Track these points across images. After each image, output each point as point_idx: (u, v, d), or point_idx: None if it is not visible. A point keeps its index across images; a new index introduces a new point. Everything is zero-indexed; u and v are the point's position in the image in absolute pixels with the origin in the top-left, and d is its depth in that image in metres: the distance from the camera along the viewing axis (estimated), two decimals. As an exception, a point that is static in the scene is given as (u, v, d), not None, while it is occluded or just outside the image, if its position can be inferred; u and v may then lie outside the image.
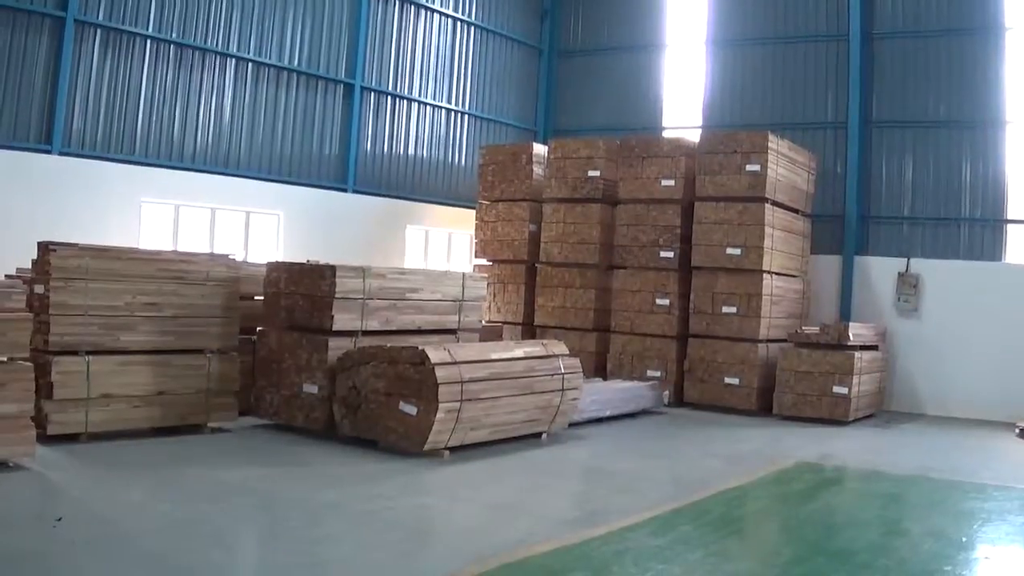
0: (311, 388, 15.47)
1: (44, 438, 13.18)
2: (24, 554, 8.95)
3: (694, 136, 24.04)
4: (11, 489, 11.46)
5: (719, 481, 13.89)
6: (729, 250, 21.32)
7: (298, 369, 15.68)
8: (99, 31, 21.79)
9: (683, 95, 30.15)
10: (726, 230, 21.36)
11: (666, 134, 27.90)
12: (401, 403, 14.31)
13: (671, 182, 22.24)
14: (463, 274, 18.10)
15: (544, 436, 16.15)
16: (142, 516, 10.65)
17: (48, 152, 20.85)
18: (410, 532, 10.71)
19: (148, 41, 22.62)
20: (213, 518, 10.75)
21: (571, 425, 16.95)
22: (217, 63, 24.07)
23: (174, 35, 22.97)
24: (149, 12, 22.53)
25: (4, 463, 12.04)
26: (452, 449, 14.47)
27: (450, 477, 13.47)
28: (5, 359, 12.14)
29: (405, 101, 28.79)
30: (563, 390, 16.13)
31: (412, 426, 14.19)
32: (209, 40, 23.73)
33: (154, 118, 22.82)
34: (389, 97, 28.36)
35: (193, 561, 9.07)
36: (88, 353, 14.32)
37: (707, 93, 29.26)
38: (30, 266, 14.87)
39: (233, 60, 24.32)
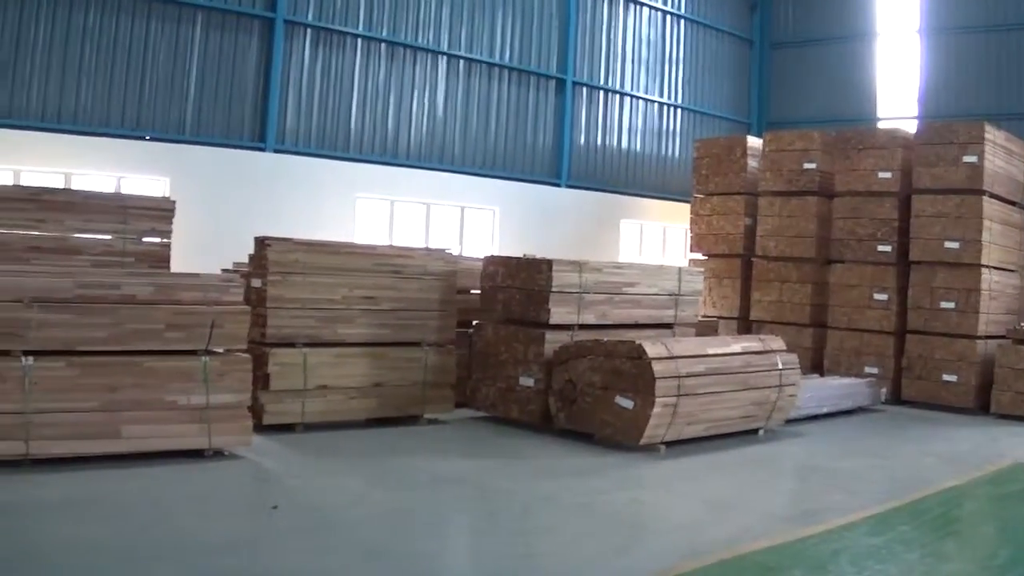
0: (527, 381, 15.43)
1: (260, 428, 13.38)
2: (239, 542, 9.06)
3: (909, 127, 23.53)
4: (227, 477, 11.63)
5: (936, 480, 13.51)
6: (947, 244, 20.73)
7: (514, 362, 15.66)
8: (309, 31, 22.19)
9: (896, 85, 29.64)
10: (944, 223, 20.79)
11: (880, 125, 27.45)
12: (617, 397, 14.19)
13: (888, 174, 21.72)
14: (679, 268, 17.88)
15: (760, 432, 15.90)
16: (356, 505, 10.71)
17: (262, 150, 21.28)
18: (624, 526, 10.58)
19: (359, 40, 22.98)
20: (427, 508, 10.76)
21: (788, 422, 16.68)
22: (428, 60, 24.32)
23: (385, 33, 23.27)
24: (359, 11, 22.87)
25: (221, 452, 12.23)
26: (668, 444, 14.29)
27: (666, 472, 13.30)
28: (223, 351, 12.36)
29: (617, 95, 28.80)
30: (780, 386, 15.86)
31: (628, 420, 14.06)
32: (420, 38, 23.98)
33: (367, 115, 23.14)
34: (601, 91, 28.40)
35: (406, 551, 9.07)
36: (305, 345, 14.49)
37: (921, 82, 28.81)
38: (247, 260, 15.10)
39: (444, 57, 24.55)
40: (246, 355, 12.62)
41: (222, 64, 21.48)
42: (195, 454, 11.96)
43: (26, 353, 11.01)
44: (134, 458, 11.47)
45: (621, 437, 14.15)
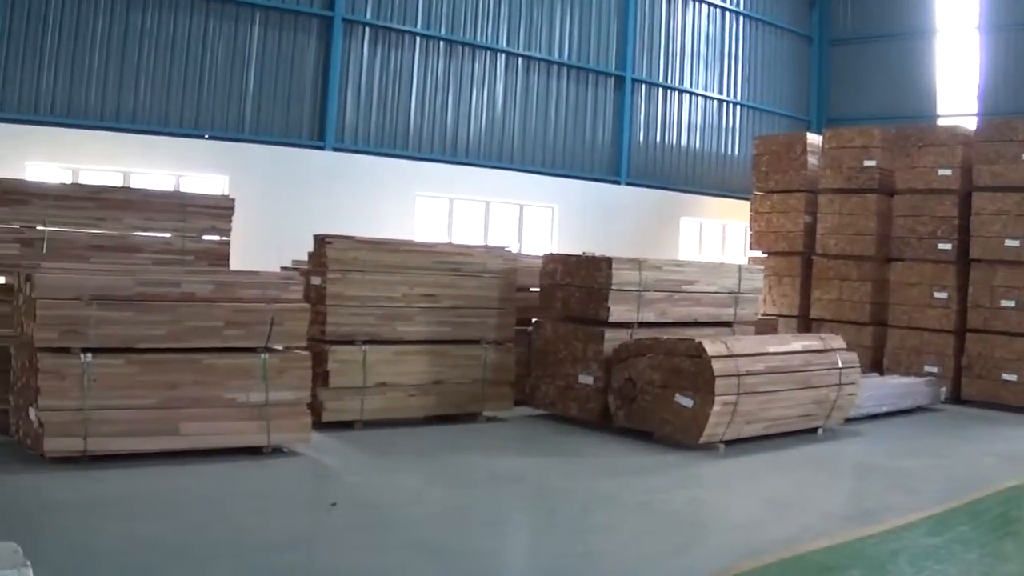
0: (586, 379, 15.40)
1: (319, 425, 13.40)
2: (297, 538, 9.09)
3: (969, 123, 23.35)
4: (286, 475, 11.68)
5: (996, 480, 13.38)
6: (1008, 242, 20.52)
7: (573, 360, 15.62)
8: (367, 29, 22.28)
9: (956, 81, 29.47)
10: (1004, 221, 20.58)
11: (940, 122, 27.29)
12: (677, 395, 14.15)
13: (948, 171, 21.54)
14: (739, 266, 17.82)
15: (820, 431, 15.81)
16: (415, 503, 10.71)
17: (321, 148, 21.35)
18: (684, 524, 10.55)
19: (417, 38, 23.05)
20: (486, 506, 10.78)
21: (847, 421, 16.57)
22: (487, 58, 24.35)
23: (443, 31, 23.33)
24: (417, 9, 22.95)
25: (280, 449, 12.29)
26: (727, 443, 14.23)
27: (725, 470, 13.25)
28: (283, 348, 12.42)
29: (676, 92, 28.79)
30: (840, 385, 15.76)
31: (688, 419, 14.01)
32: (478, 36, 24.03)
33: (426, 114, 23.21)
34: (660, 88, 28.39)
35: (465, 548, 9.07)
36: (364, 343, 14.52)
37: (981, 79, 28.65)
38: (306, 258, 15.14)
39: (503, 55, 24.59)
40: (305, 352, 12.68)
41: (281, 63, 21.58)
42: (254, 451, 12.02)
43: (85, 350, 11.08)
44: (192, 455, 11.54)
45: (680, 436, 14.10)
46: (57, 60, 19.23)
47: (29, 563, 6.34)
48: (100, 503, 9.83)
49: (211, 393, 11.75)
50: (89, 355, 11.06)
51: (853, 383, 16.08)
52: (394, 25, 22.83)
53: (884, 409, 18.10)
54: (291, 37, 21.60)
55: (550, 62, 25.90)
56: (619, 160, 27.39)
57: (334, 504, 10.21)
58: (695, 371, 13.99)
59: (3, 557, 6.43)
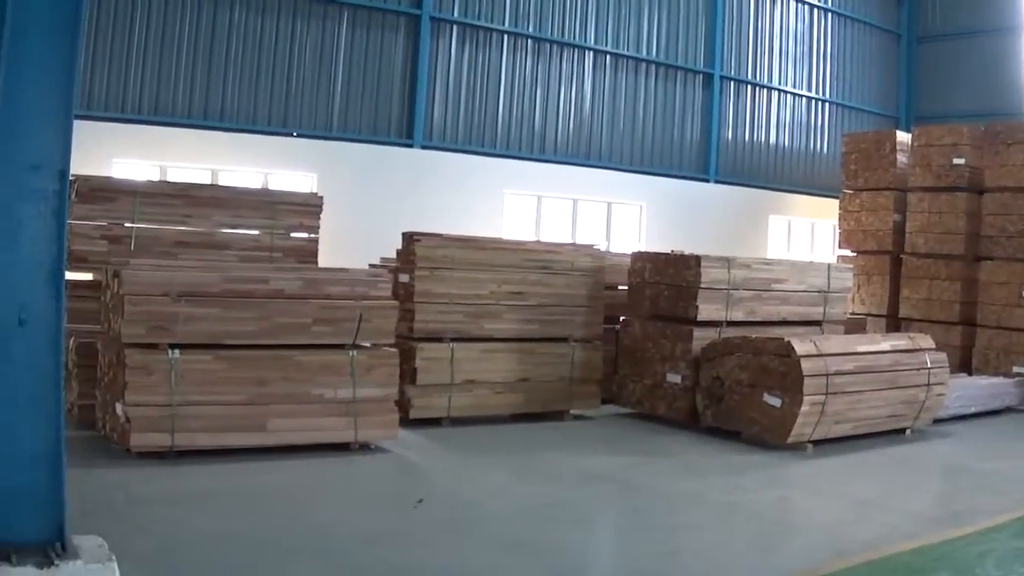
0: (674, 378, 15.35)
1: (406, 421, 13.42)
2: (384, 533, 9.14)
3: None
4: (373, 470, 11.75)
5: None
6: (1097, 241, 20.37)
7: (661, 359, 15.57)
8: (455, 27, 22.34)
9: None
10: (1094, 219, 20.42)
11: (1029, 119, 27.01)
12: (765, 395, 14.07)
13: (1038, 169, 21.36)
14: (828, 265, 17.71)
15: (908, 432, 15.67)
16: (501, 499, 10.76)
17: (409, 146, 21.41)
18: (770, 524, 10.51)
19: (505, 36, 23.06)
20: (572, 503, 10.76)
21: (935, 421, 16.42)
22: (575, 56, 24.35)
23: (531, 29, 23.36)
24: (505, 7, 22.97)
25: (367, 445, 12.34)
26: (815, 443, 14.12)
27: (812, 471, 13.17)
28: (371, 345, 12.48)
29: (764, 89, 28.66)
30: (929, 385, 15.61)
31: (776, 418, 13.93)
32: (566, 33, 24.03)
33: (514, 111, 23.24)
34: (748, 86, 28.26)
35: (551, 545, 9.08)
36: (452, 340, 14.56)
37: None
38: (394, 256, 15.19)
39: (591, 52, 24.60)
40: (393, 349, 12.71)
41: (369, 61, 21.70)
42: (341, 448, 12.09)
43: (173, 346, 11.19)
44: (278, 451, 11.63)
45: (768, 435, 14.03)
46: (145, 58, 19.45)
47: (114, 556, 6.42)
48: (186, 498, 9.92)
49: (299, 389, 11.83)
50: (177, 351, 11.17)
51: (942, 383, 15.93)
52: (482, 23, 22.89)
53: (972, 410, 17.91)
54: (379, 35, 21.71)
55: (638, 59, 25.86)
56: (708, 157, 27.31)
57: (420, 501, 10.24)
58: (784, 370, 13.91)
59: (89, 550, 6.52)
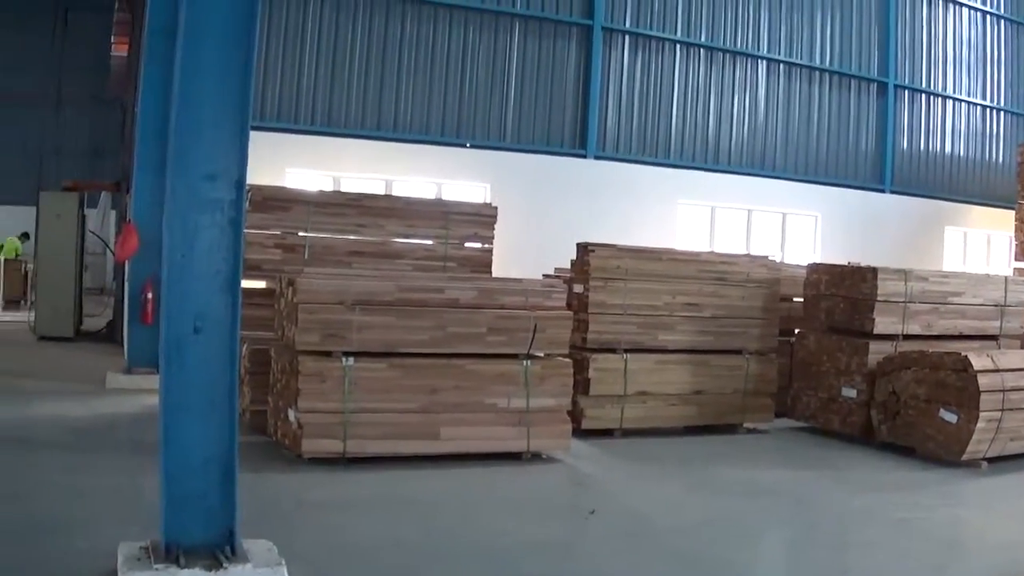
0: (849, 392, 15.08)
1: (578, 432, 13.33)
2: (555, 543, 9.09)
3: None
4: (545, 480, 11.70)
5: None
6: None
7: (836, 372, 15.30)
8: (627, 37, 22.32)
9: None
10: None
11: None
12: (941, 410, 13.75)
13: None
14: (1005, 278, 17.31)
15: (1085, 449, 15.28)
16: (673, 512, 10.65)
17: (583, 156, 21.40)
18: (944, 543, 10.22)
19: (677, 45, 22.96)
20: (744, 518, 10.61)
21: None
22: (748, 64, 24.16)
23: (703, 38, 23.26)
24: (677, 17, 22.90)
25: (538, 455, 12.29)
26: (990, 460, 13.74)
27: (987, 489, 12.79)
28: (544, 355, 12.41)
29: (939, 98, 28.13)
30: (1111, 401, 15.22)
31: (951, 434, 13.59)
32: (739, 42, 23.89)
33: (687, 121, 23.16)
34: (923, 94, 27.77)
35: (721, 559, 8.95)
36: (626, 351, 14.46)
37: None
38: (567, 266, 15.15)
39: (764, 61, 24.41)
40: (567, 360, 12.64)
41: (541, 71, 21.76)
42: (512, 457, 12.05)
43: (347, 354, 11.27)
44: (449, 459, 11.64)
45: (942, 452, 13.71)
46: (316, 70, 19.76)
47: (283, 561, 6.47)
48: (356, 504, 9.99)
49: (472, 398, 11.83)
50: (351, 359, 11.25)
51: (1124, 401, 15.49)
52: (653, 33, 22.84)
53: None
54: (551, 46, 21.76)
55: (811, 68, 25.59)
56: (883, 167, 26.92)
57: (592, 512, 10.17)
58: (960, 386, 13.59)
59: (258, 554, 6.59)
